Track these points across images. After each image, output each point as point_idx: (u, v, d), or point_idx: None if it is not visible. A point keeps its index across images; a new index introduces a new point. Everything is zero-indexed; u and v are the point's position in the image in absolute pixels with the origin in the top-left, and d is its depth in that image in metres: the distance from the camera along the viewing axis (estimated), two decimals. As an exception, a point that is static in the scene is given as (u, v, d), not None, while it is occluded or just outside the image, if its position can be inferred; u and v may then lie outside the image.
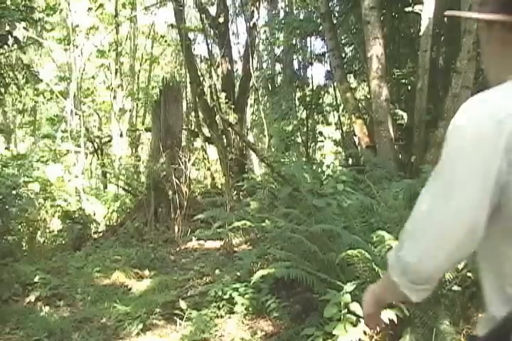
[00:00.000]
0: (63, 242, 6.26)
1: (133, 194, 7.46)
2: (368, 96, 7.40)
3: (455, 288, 2.67)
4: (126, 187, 7.78)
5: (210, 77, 9.16)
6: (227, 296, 3.37)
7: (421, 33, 5.11)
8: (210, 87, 8.78)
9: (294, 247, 3.07)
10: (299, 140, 10.58)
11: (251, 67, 8.95)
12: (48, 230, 6.40)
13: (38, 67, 10.44)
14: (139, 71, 12.45)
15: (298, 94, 10.77)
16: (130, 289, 4.18)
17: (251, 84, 9.68)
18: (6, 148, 8.48)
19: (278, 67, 13.28)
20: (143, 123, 12.72)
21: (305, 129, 10.27)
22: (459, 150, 0.84)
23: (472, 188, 0.79)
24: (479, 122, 0.79)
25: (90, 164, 10.17)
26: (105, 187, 9.35)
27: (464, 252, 0.84)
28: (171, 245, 5.79)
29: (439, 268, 0.87)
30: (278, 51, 12.88)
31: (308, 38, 10.05)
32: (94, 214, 6.85)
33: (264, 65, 14.57)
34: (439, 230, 0.82)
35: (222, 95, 8.55)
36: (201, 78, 9.10)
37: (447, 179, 0.85)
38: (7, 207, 5.34)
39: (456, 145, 0.84)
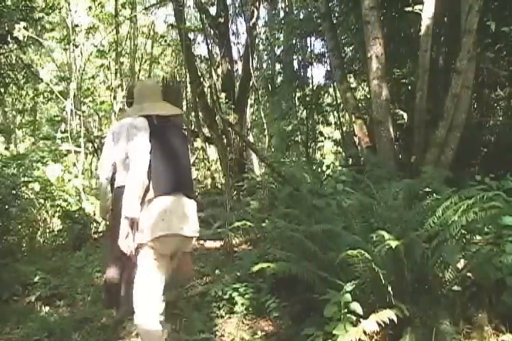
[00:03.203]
0: (63, 242, 6.26)
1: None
2: (368, 96, 7.40)
3: (455, 288, 2.67)
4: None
5: (210, 77, 9.16)
6: (227, 296, 3.37)
7: (421, 33, 5.10)
8: (210, 87, 8.78)
9: (294, 247, 3.07)
10: (299, 140, 10.58)
11: (251, 67, 8.94)
12: (48, 230, 6.40)
13: (38, 67, 10.45)
14: (139, 71, 12.44)
15: (298, 94, 10.77)
16: (130, 289, 4.18)
17: (251, 84, 9.68)
18: (6, 148, 8.48)
19: (278, 67, 13.28)
20: (143, 123, 12.66)
21: (305, 129, 10.27)
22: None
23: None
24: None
25: (90, 164, 10.17)
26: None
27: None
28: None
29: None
30: (278, 51, 12.88)
31: (308, 38, 10.05)
32: (94, 214, 6.84)
33: (264, 65, 14.58)
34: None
35: (222, 95, 8.55)
36: (201, 78, 9.10)
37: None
38: (7, 207, 5.34)
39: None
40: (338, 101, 9.38)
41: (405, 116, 6.35)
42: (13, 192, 5.52)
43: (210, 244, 5.59)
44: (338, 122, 9.88)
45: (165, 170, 2.41)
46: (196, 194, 8.75)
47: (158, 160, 2.39)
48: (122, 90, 10.05)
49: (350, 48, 9.03)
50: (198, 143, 9.82)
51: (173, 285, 4.09)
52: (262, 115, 10.92)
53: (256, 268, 2.72)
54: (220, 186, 8.90)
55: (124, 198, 2.31)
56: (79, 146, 7.99)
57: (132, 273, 2.56)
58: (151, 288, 2.39)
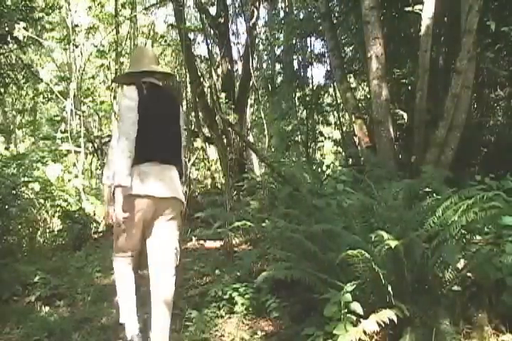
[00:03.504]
0: (63, 242, 6.26)
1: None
2: (368, 96, 7.39)
3: (455, 288, 2.67)
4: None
5: (210, 77, 9.15)
6: (227, 296, 3.37)
7: (421, 33, 5.10)
8: (210, 87, 8.78)
9: (294, 247, 3.07)
10: (299, 140, 10.58)
11: (251, 67, 8.93)
12: (48, 230, 6.40)
13: (38, 67, 10.45)
14: (139, 71, 12.40)
15: (298, 94, 10.77)
16: (130, 289, 4.17)
17: (251, 84, 9.67)
18: (6, 148, 8.49)
19: (278, 67, 13.28)
20: (143, 124, 12.65)
21: (305, 129, 10.27)
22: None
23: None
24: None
25: (90, 164, 10.17)
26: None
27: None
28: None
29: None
30: (278, 51, 12.88)
31: (308, 38, 10.05)
32: (94, 214, 6.85)
33: (264, 65, 14.59)
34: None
35: (222, 95, 8.54)
36: (201, 78, 9.09)
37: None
38: (7, 207, 5.34)
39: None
40: (338, 101, 9.38)
41: (405, 116, 6.35)
42: (13, 192, 5.52)
43: (210, 244, 5.60)
44: (338, 122, 9.87)
45: (151, 139, 2.58)
46: (196, 193, 8.75)
47: (145, 128, 2.54)
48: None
49: (350, 48, 9.03)
50: (198, 143, 9.81)
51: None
52: (262, 115, 10.92)
53: (260, 278, 2.72)
54: (220, 186, 8.91)
55: (115, 167, 2.49)
56: (79, 146, 7.99)
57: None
58: (125, 240, 2.65)
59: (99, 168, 10.02)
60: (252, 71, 8.99)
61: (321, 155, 12.02)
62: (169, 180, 2.63)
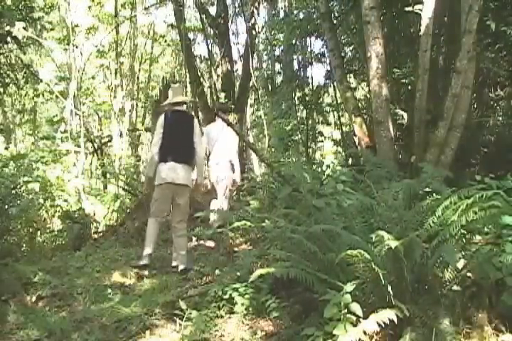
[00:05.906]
0: (63, 242, 6.26)
1: (133, 194, 7.46)
2: (368, 96, 7.39)
3: (455, 288, 2.67)
4: (126, 187, 7.78)
5: (210, 77, 9.16)
6: (227, 296, 3.36)
7: (421, 33, 5.10)
8: (210, 87, 8.79)
9: (294, 247, 3.07)
10: (299, 140, 10.58)
11: (251, 67, 8.94)
12: (48, 230, 6.40)
13: (38, 67, 10.45)
14: (139, 71, 12.45)
15: (298, 94, 10.77)
16: (130, 289, 4.18)
17: (251, 84, 9.67)
18: (5, 148, 8.48)
19: (278, 67, 13.29)
20: (143, 123, 12.74)
21: (305, 129, 10.27)
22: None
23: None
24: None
25: (90, 164, 10.17)
26: (105, 187, 9.35)
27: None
28: (171, 245, 5.79)
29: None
30: (278, 51, 12.89)
31: (308, 38, 10.04)
32: (94, 214, 6.85)
33: (264, 65, 14.60)
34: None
35: (222, 95, 8.55)
36: (201, 78, 9.10)
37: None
38: (7, 207, 5.34)
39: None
40: (338, 101, 9.38)
41: (405, 116, 6.35)
42: (13, 192, 5.52)
43: (210, 244, 5.59)
44: (338, 122, 9.87)
45: (167, 147, 4.48)
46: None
47: (165, 139, 4.50)
48: (122, 90, 10.04)
49: (350, 48, 9.02)
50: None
51: (173, 285, 4.11)
52: (262, 115, 10.92)
53: (254, 275, 2.70)
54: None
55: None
56: (79, 146, 7.99)
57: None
58: (157, 205, 4.58)
59: (99, 167, 10.02)
60: (252, 71, 9.00)
61: (321, 155, 12.02)
62: (182, 174, 4.46)
